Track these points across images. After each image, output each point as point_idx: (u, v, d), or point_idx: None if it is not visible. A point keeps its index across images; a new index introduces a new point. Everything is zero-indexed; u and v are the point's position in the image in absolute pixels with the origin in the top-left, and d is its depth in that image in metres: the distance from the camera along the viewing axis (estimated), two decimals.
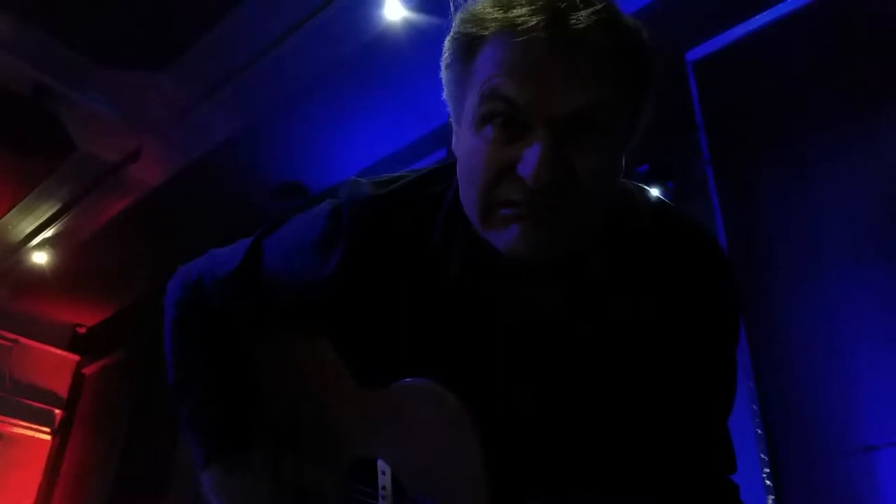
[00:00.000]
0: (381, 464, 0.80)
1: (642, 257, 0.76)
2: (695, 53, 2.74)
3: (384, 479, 0.79)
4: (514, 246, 0.68)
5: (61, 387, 5.73)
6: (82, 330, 5.94)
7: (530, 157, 0.64)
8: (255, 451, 0.92)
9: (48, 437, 5.54)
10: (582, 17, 0.63)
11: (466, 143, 0.71)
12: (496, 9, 0.67)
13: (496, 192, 0.68)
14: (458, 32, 0.71)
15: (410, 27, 2.89)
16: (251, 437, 0.92)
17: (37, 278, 4.84)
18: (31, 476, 5.37)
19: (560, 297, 0.76)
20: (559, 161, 0.64)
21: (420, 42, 2.91)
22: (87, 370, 5.78)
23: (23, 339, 5.60)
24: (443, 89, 0.77)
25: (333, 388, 0.90)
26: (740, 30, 2.66)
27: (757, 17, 2.61)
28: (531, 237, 0.68)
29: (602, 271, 0.75)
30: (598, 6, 0.65)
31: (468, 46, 0.70)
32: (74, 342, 5.89)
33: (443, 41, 0.90)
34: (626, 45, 0.68)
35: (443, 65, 0.75)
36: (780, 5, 2.55)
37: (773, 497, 1.84)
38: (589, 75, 0.65)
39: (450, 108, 0.77)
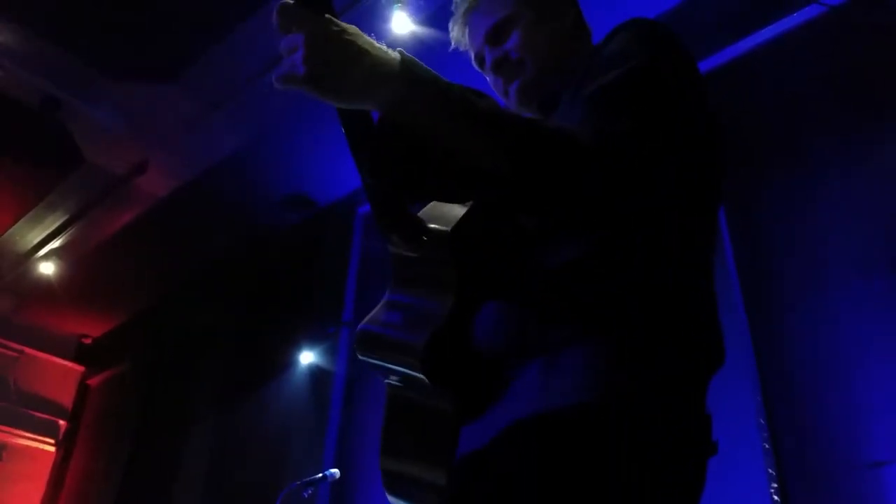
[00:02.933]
0: None
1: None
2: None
3: None
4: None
5: (66, 398, 5.74)
6: (88, 341, 5.95)
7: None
8: None
9: (52, 449, 5.54)
10: None
11: None
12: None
13: None
14: None
15: (417, 41, 2.91)
16: None
17: (43, 289, 4.87)
18: (35, 488, 5.36)
19: None
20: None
21: (428, 56, 2.88)
22: (92, 381, 5.78)
23: (28, 350, 5.61)
24: None
25: None
26: (744, 44, 2.66)
27: (760, 31, 2.61)
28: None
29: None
30: None
31: None
32: (80, 353, 5.91)
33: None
34: None
35: None
36: (784, 20, 2.56)
37: None
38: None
39: None
